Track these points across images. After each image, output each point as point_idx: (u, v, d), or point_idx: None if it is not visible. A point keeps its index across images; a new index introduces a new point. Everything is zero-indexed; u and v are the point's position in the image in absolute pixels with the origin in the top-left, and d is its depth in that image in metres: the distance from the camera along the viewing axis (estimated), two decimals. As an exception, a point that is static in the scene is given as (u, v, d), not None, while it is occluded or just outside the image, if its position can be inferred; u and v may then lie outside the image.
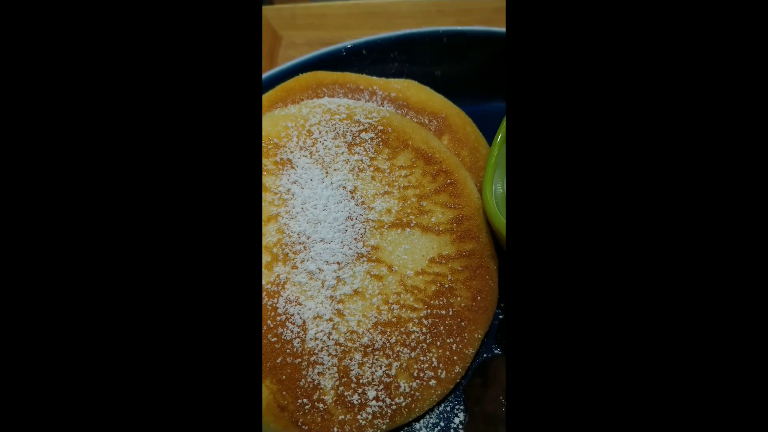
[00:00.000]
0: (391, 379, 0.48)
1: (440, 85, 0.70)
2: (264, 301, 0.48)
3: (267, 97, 0.63)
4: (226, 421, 0.34)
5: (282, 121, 0.55)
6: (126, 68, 0.35)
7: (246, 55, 0.36)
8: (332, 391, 0.47)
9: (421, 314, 0.49)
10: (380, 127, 0.55)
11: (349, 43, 0.69)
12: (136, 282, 0.34)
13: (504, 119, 0.57)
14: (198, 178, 0.35)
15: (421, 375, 0.48)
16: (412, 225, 0.52)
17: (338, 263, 0.50)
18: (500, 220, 0.50)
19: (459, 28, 0.68)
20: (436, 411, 0.51)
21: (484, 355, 0.53)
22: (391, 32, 0.69)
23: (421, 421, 0.50)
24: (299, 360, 0.47)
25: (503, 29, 0.68)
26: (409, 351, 0.48)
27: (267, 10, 0.94)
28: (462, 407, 0.51)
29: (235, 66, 0.36)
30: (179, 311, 0.34)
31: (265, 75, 0.66)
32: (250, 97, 0.36)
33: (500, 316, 0.55)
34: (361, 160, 0.54)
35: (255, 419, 0.36)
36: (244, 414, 0.35)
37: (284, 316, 0.48)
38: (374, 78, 0.65)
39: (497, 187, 0.55)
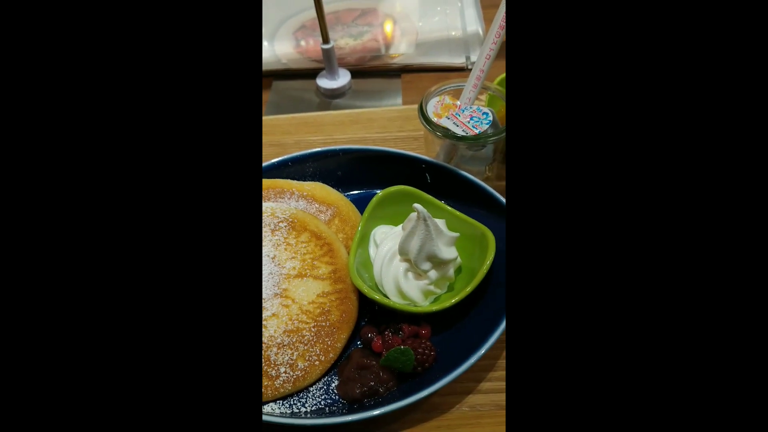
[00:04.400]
0: (294, 361, 0.87)
1: (341, 180, 1.11)
2: (223, 321, 0.88)
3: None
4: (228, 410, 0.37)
5: (234, 216, 0.96)
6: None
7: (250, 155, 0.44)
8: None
9: (311, 325, 0.89)
10: (290, 219, 0.96)
11: (280, 159, 1.09)
12: (149, 293, 0.36)
13: (368, 205, 0.97)
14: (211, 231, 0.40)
15: (311, 359, 0.88)
16: (307, 275, 0.92)
17: (263, 299, 0.89)
18: (355, 277, 0.90)
19: (348, 147, 1.09)
20: (322, 380, 0.90)
21: (352, 348, 0.93)
22: (306, 150, 1.09)
23: (313, 386, 0.89)
24: (242, 352, 0.86)
25: (376, 147, 1.09)
26: (303, 345, 0.88)
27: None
28: (336, 377, 0.90)
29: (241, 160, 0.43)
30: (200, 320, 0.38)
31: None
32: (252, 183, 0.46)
33: (363, 323, 0.95)
34: (279, 239, 0.94)
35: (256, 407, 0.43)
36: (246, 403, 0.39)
37: (234, 329, 0.88)
38: (294, 182, 1.06)
39: (359, 253, 0.95)
